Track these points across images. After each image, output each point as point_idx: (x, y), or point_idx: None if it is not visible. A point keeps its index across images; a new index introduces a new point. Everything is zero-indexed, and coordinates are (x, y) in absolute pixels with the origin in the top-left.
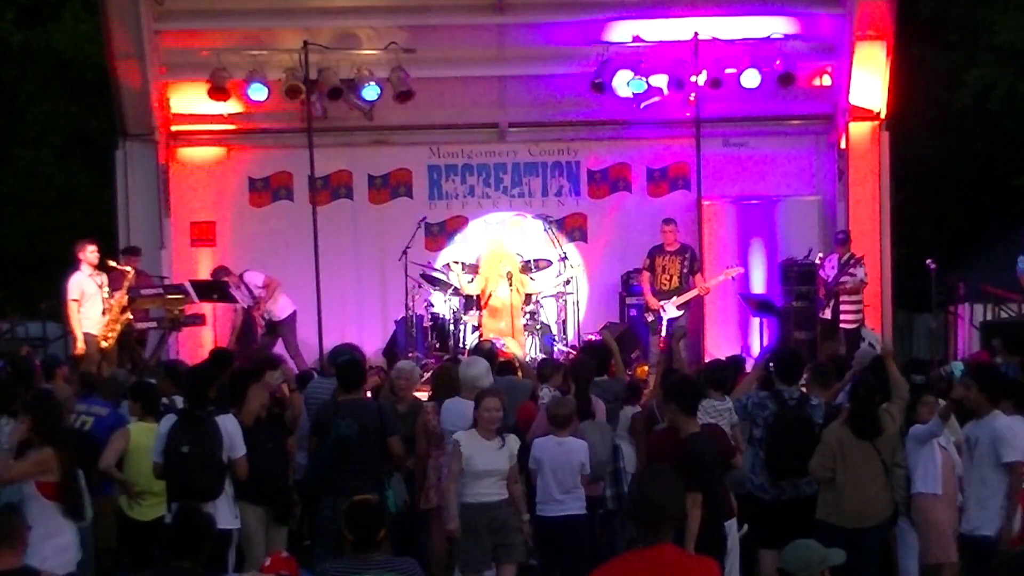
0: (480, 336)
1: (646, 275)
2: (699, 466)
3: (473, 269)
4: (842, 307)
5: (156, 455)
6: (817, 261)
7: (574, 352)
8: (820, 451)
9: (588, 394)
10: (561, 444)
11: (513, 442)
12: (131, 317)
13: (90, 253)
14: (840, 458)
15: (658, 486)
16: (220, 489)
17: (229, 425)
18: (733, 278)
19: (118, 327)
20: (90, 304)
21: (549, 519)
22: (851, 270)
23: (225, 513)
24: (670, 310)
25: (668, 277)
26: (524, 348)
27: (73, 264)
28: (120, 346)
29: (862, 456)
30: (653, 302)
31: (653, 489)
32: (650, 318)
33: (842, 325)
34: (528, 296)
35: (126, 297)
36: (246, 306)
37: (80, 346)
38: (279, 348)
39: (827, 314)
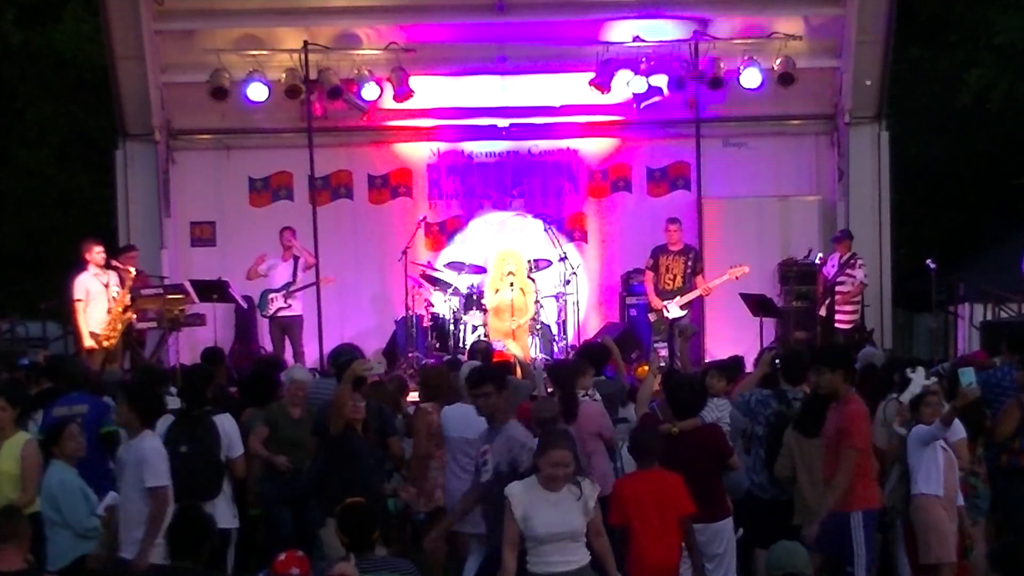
0: (487, 337)
1: (649, 275)
2: None
3: (476, 269)
4: (837, 307)
5: None
6: (818, 261)
7: (573, 351)
8: (781, 452)
9: (575, 395)
10: None
11: (589, 490)
12: (133, 317)
13: (96, 254)
14: (798, 458)
15: (647, 435)
16: (218, 489)
17: (227, 424)
18: (738, 278)
19: (120, 327)
20: (94, 304)
21: None
22: (849, 270)
23: (224, 512)
24: (673, 310)
25: (672, 277)
26: (529, 349)
27: (79, 264)
28: (124, 345)
29: (818, 455)
30: (656, 302)
31: (644, 437)
32: (652, 318)
33: (837, 325)
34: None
35: (128, 296)
36: (287, 281)
37: (88, 343)
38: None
39: (822, 312)
